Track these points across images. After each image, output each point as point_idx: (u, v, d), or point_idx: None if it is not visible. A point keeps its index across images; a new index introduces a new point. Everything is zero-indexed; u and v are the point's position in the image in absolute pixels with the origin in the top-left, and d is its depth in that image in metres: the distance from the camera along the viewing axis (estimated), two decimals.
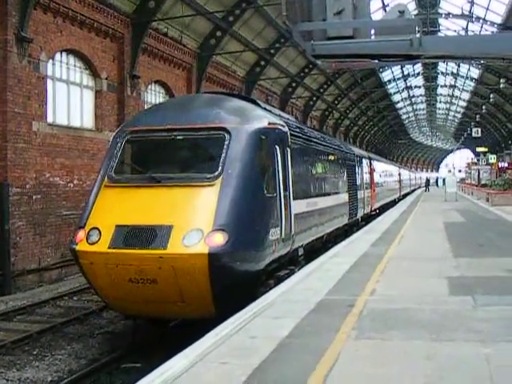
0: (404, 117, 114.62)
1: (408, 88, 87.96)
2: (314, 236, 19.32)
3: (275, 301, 11.38)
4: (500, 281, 12.92)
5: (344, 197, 25.99)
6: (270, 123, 14.89)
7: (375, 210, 39.66)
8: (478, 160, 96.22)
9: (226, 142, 13.13)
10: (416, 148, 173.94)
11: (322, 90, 63.19)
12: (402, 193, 70.58)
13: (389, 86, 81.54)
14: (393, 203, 53.03)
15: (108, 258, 12.13)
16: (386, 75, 75.89)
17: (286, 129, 16.12)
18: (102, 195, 13.26)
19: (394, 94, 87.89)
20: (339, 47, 9.40)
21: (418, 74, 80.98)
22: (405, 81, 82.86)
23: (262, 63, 45.40)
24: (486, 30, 50.18)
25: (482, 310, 10.10)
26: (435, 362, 7.44)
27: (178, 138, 13.64)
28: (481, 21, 50.27)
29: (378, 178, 44.13)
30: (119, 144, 14.05)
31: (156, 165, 13.84)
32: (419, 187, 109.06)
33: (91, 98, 27.61)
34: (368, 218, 34.67)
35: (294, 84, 54.76)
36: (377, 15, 44.72)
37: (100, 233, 12.40)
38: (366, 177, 35.97)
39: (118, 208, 12.91)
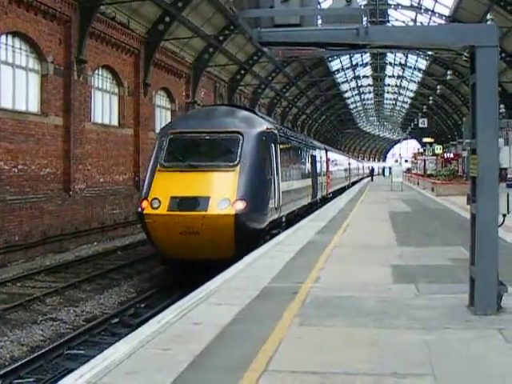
0: (352, 106, 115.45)
1: (356, 78, 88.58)
2: (291, 209, 25.51)
3: (219, 288, 11.38)
4: (443, 269, 13.11)
5: (309, 181, 32.55)
6: (267, 128, 21.17)
7: (329, 193, 45.53)
8: (425, 150, 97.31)
9: (240, 141, 19.25)
10: (363, 137, 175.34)
11: (270, 78, 63.22)
12: (351, 181, 74.52)
13: (337, 76, 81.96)
14: (343, 190, 57.10)
15: (166, 218, 18.01)
16: (334, 64, 76.24)
17: (276, 131, 22.53)
18: (157, 177, 19.04)
19: (343, 83, 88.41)
20: (286, 35, 9.39)
21: (367, 63, 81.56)
22: (353, 70, 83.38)
23: (211, 50, 45.21)
24: (435, 22, 50.75)
25: (425, 298, 10.23)
26: (377, 348, 7.52)
27: (207, 138, 19.74)
28: (429, 12, 50.83)
29: (332, 167, 49.46)
30: (164, 142, 19.88)
31: (193, 156, 19.36)
32: (367, 176, 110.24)
33: (37, 81, 27.14)
34: (324, 200, 39.99)
35: (242, 71, 54.66)
36: (326, 4, 44.84)
37: (159, 201, 18.17)
38: (323, 165, 41.95)
39: (170, 185, 18.60)
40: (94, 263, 23.81)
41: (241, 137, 19.34)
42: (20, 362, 11.95)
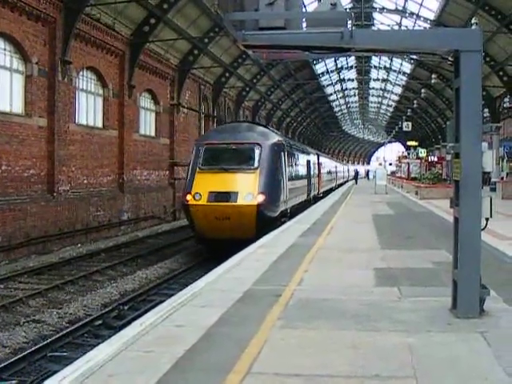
0: (336, 109, 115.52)
1: (341, 81, 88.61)
2: (294, 203, 31.51)
3: (202, 290, 11.37)
4: (425, 272, 13.12)
5: (305, 181, 39.09)
6: (278, 140, 27.58)
7: (320, 193, 51.09)
8: (409, 154, 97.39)
9: (259, 150, 25.17)
10: (348, 140, 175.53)
11: (255, 81, 63.17)
12: (338, 183, 79.14)
13: (322, 79, 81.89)
14: (331, 190, 62.50)
15: (206, 207, 23.67)
16: (319, 67, 76.28)
17: (284, 142, 29.13)
18: (197, 176, 24.62)
19: (327, 86, 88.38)
20: (270, 38, 9.39)
21: (352, 67, 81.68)
22: (338, 73, 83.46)
23: (196, 52, 45.16)
24: (419, 26, 51.00)
25: (408, 301, 10.26)
26: (360, 351, 7.55)
27: (234, 147, 25.62)
28: (414, 16, 51.03)
29: (323, 170, 55.29)
30: (201, 150, 25.56)
31: (224, 161, 25.08)
32: (352, 179, 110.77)
33: (21, 82, 27.00)
34: (316, 199, 45.05)
35: (227, 74, 54.59)
36: (311, 8, 44.89)
37: (200, 195, 23.83)
38: (316, 168, 48.19)
39: (207, 183, 24.21)
40: (78, 265, 23.74)
41: (259, 147, 25.29)
42: (2, 364, 11.89)
